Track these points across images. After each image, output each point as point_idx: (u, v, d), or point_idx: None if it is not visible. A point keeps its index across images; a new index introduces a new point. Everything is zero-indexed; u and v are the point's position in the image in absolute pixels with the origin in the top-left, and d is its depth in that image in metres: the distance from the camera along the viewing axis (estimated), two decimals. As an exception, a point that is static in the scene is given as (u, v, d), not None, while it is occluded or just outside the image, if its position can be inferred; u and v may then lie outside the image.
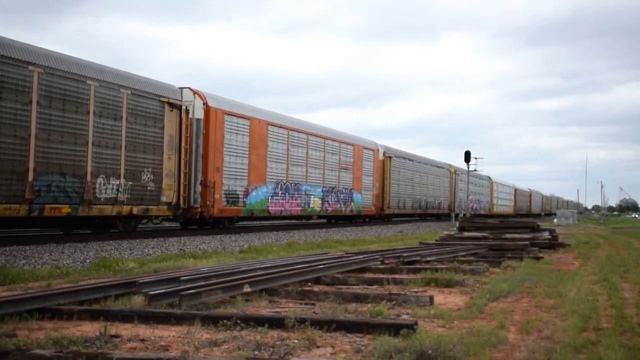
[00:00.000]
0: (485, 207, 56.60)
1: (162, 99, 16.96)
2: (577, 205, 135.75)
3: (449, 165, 46.90)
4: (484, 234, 17.77)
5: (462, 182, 46.68)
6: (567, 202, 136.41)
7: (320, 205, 26.63)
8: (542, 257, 13.78)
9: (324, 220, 30.48)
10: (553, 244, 17.34)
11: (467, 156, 38.81)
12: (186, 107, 17.91)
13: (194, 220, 19.66)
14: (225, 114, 19.96)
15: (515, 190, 73.53)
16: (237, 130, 20.59)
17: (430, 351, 4.70)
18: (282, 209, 23.45)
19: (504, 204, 66.18)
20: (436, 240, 17.78)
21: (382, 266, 11.32)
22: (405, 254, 12.41)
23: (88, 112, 14.43)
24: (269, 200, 22.41)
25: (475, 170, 54.21)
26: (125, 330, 5.62)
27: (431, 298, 7.45)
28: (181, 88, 18.28)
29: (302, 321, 5.64)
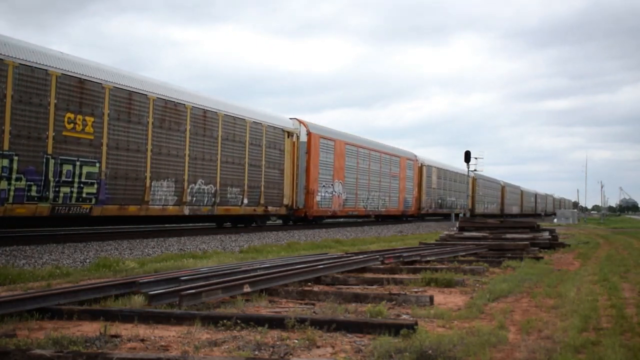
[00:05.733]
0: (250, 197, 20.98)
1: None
2: (562, 202, 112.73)
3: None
4: (484, 234, 17.79)
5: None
6: (533, 194, 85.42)
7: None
8: (542, 257, 13.78)
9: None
10: (553, 244, 17.34)
11: (467, 156, 38.87)
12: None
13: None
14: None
15: (425, 168, 38.90)
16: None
17: (430, 351, 4.70)
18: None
19: (385, 195, 32.68)
20: (436, 240, 17.78)
21: (382, 266, 11.32)
22: (405, 254, 12.41)
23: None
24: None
25: (475, 170, 46.88)
26: (125, 330, 5.62)
27: (431, 298, 7.45)
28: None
29: (302, 321, 5.64)
